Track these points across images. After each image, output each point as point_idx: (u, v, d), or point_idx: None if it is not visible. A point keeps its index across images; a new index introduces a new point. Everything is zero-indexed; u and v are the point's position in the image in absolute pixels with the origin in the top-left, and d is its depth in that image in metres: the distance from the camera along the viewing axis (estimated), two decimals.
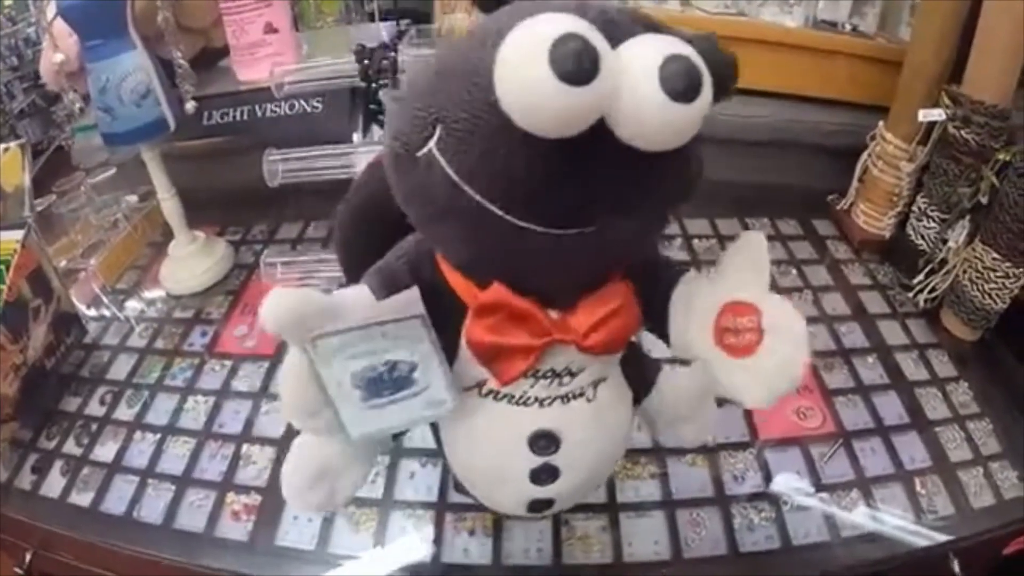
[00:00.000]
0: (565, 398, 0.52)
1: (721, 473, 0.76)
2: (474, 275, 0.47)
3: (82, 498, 0.78)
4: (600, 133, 0.36)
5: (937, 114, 0.85)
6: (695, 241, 1.09)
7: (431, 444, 0.71)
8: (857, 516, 0.72)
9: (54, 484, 0.80)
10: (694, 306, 0.50)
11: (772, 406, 0.48)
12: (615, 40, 0.36)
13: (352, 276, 0.57)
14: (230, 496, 0.76)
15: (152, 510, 0.76)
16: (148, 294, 1.05)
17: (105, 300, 1.02)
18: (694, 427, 0.64)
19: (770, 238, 1.08)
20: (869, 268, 1.03)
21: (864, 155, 1.03)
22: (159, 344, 0.96)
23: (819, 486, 0.75)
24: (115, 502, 0.77)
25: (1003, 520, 0.73)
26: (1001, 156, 0.80)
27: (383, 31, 1.03)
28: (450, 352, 0.50)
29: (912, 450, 0.79)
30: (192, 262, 1.02)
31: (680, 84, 0.34)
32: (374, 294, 0.49)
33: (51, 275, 0.88)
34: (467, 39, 0.42)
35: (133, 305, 1.04)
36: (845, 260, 1.05)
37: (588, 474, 0.58)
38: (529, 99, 0.34)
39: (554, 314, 0.48)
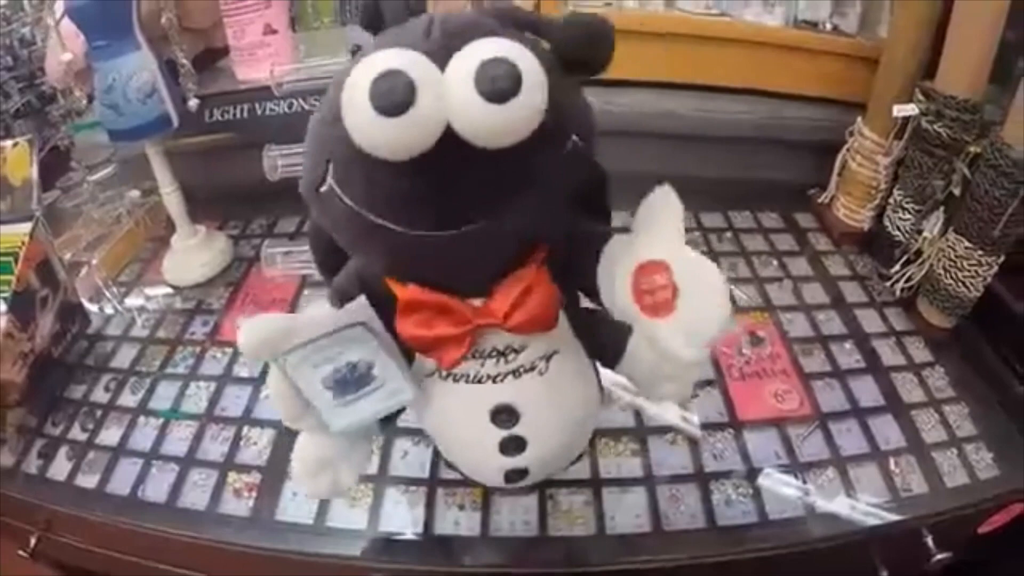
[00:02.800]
0: (516, 373, 0.57)
1: (700, 452, 0.79)
2: (398, 278, 0.52)
3: (88, 480, 0.81)
4: (454, 141, 0.40)
5: (911, 109, 0.88)
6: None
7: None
8: (833, 493, 0.75)
9: (60, 468, 0.83)
10: (615, 271, 0.52)
11: (703, 355, 0.50)
12: (451, 53, 0.40)
13: (327, 278, 0.64)
14: (232, 475, 0.80)
15: (156, 490, 0.79)
16: (150, 286, 1.08)
17: (107, 293, 1.05)
18: (674, 385, 0.65)
19: (752, 231, 1.13)
20: (848, 259, 1.06)
21: (843, 150, 1.06)
22: (161, 334, 0.99)
23: (796, 464, 0.77)
24: (120, 483, 0.80)
25: (977, 498, 0.75)
26: (972, 148, 0.83)
27: None
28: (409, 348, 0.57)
29: (888, 432, 0.81)
30: (193, 254, 1.05)
31: (489, 87, 0.38)
32: (333, 307, 0.56)
33: (58, 266, 0.91)
34: (335, 80, 0.47)
35: (135, 297, 1.07)
36: (825, 252, 1.08)
37: (555, 443, 0.63)
38: (360, 129, 0.40)
39: (477, 303, 0.52)
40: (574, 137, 0.47)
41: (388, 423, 0.68)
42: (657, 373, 0.63)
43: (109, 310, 1.04)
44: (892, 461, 0.78)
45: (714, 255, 1.07)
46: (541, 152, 0.45)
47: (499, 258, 0.51)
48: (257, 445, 0.83)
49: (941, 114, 0.85)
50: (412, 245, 0.46)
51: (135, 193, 1.13)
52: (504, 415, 0.58)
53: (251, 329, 0.51)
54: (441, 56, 0.40)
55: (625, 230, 0.54)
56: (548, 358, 0.58)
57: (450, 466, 0.73)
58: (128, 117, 0.87)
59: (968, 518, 0.76)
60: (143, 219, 1.14)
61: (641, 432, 0.81)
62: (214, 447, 0.83)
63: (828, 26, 1.04)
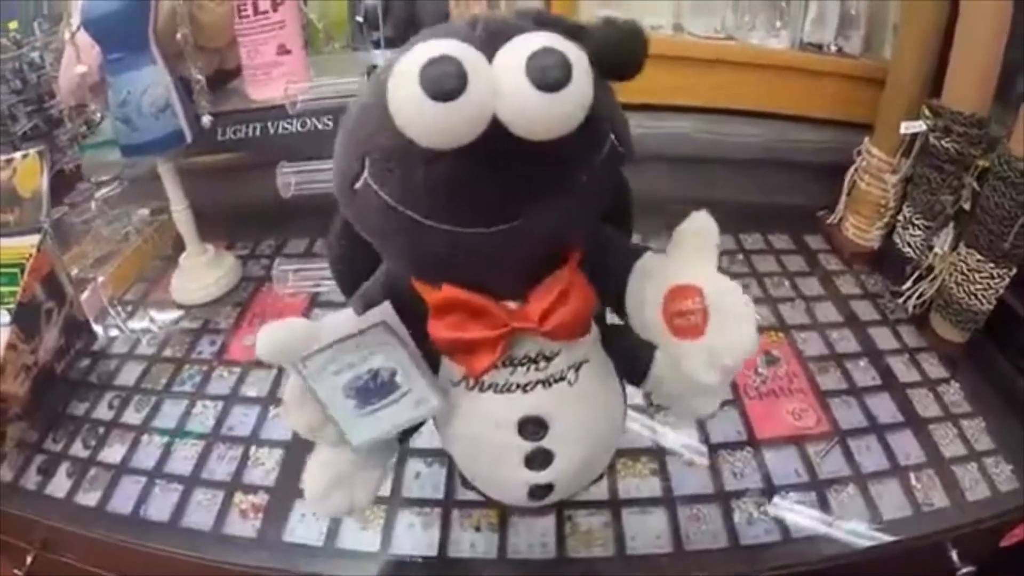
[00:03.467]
0: (546, 383, 0.56)
1: (720, 471, 0.78)
2: (431, 279, 0.51)
3: (88, 498, 0.79)
4: (499, 134, 0.40)
5: (918, 126, 0.89)
6: None
7: (437, 444, 0.73)
8: (854, 509, 0.74)
9: (60, 485, 0.81)
10: (646, 291, 0.53)
11: (723, 381, 0.51)
12: (496, 47, 0.40)
13: (347, 291, 0.62)
14: (238, 496, 0.77)
15: (159, 509, 0.77)
16: (157, 304, 1.07)
17: (111, 312, 1.04)
18: (702, 399, 0.64)
19: (763, 252, 1.14)
20: (860, 278, 1.06)
21: (851, 170, 1.07)
22: (167, 352, 0.98)
23: (816, 482, 0.76)
24: (122, 501, 0.78)
25: (999, 511, 0.74)
26: (981, 163, 0.84)
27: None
28: (436, 356, 0.56)
29: (907, 447, 0.80)
30: (202, 273, 1.04)
31: (542, 75, 0.38)
32: (357, 314, 0.54)
33: (64, 280, 0.90)
34: (375, 76, 0.47)
35: (142, 314, 1.06)
36: (836, 271, 1.08)
37: (582, 457, 0.61)
38: (408, 116, 0.39)
39: (512, 305, 0.51)
40: (612, 137, 0.47)
41: (405, 440, 0.67)
42: (683, 390, 0.63)
43: (115, 327, 1.03)
44: (913, 476, 0.77)
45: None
46: (583, 149, 0.45)
47: (537, 258, 0.50)
48: (265, 465, 0.81)
49: (949, 130, 0.86)
50: (450, 243, 0.45)
51: (144, 211, 1.13)
52: (532, 426, 0.57)
53: (271, 332, 0.50)
54: (487, 49, 0.40)
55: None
56: (578, 368, 0.57)
57: (467, 486, 0.71)
58: (141, 132, 0.87)
59: (991, 531, 0.75)
60: (152, 237, 1.14)
61: (660, 452, 0.80)
62: (220, 467, 0.81)
63: (833, 48, 1.06)
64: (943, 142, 0.86)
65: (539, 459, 0.58)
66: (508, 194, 0.44)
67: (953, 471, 0.77)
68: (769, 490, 0.76)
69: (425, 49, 0.38)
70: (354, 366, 0.52)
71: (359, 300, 0.57)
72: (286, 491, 0.77)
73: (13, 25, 1.15)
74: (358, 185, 0.45)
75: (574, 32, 0.46)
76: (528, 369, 0.55)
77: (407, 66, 0.38)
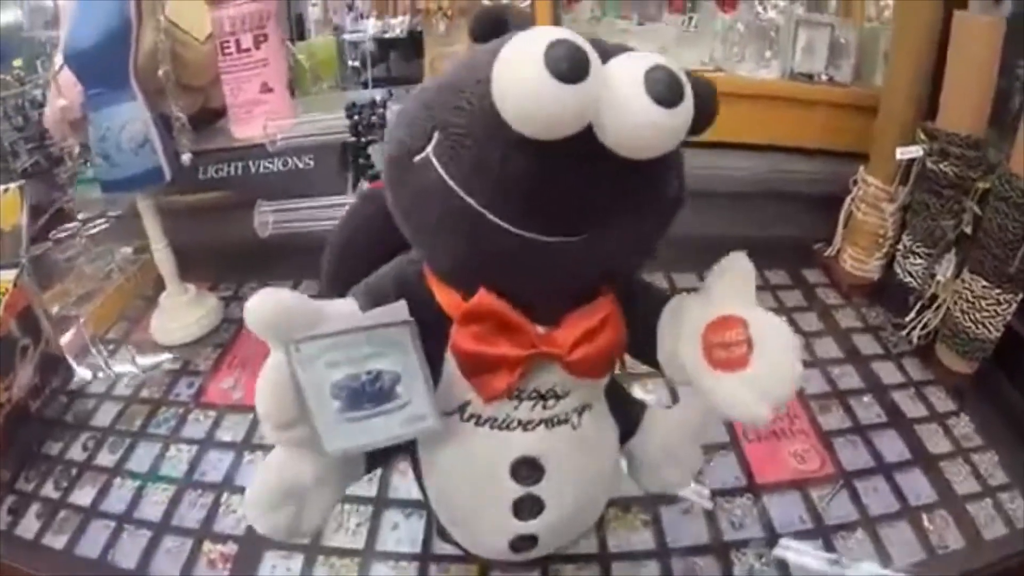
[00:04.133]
0: (549, 423, 0.52)
1: (718, 520, 0.73)
2: (463, 283, 0.48)
3: (56, 540, 0.76)
4: (588, 142, 0.38)
5: (915, 151, 0.87)
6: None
7: (416, 495, 0.68)
8: (864, 556, 0.69)
9: (29, 526, 0.78)
10: (682, 325, 0.50)
11: (767, 422, 0.47)
12: (604, 56, 0.39)
13: (334, 294, 0.56)
14: (207, 544, 0.74)
15: (127, 555, 0.73)
16: (137, 344, 1.05)
17: (93, 350, 1.02)
18: (679, 471, 0.63)
19: (759, 288, 1.08)
20: (860, 311, 1.03)
21: (847, 200, 1.05)
22: (144, 393, 0.95)
23: (822, 528, 0.72)
24: (89, 546, 0.75)
25: (1017, 549, 0.70)
26: (980, 185, 0.81)
27: (376, 95, 1.07)
28: (434, 373, 0.50)
29: (917, 486, 0.76)
30: (182, 313, 1.02)
31: (663, 89, 0.37)
32: (361, 309, 0.49)
33: (41, 317, 0.88)
34: (469, 57, 0.46)
35: (121, 354, 1.03)
36: (835, 305, 1.05)
37: (573, 508, 0.56)
38: (523, 95, 0.37)
39: (540, 329, 0.48)
40: (677, 183, 0.47)
41: (373, 468, 0.61)
42: (666, 455, 0.61)
43: (92, 368, 1.00)
44: (924, 517, 0.73)
45: None
46: (660, 178, 0.44)
47: (585, 282, 0.48)
48: (236, 513, 0.77)
49: (946, 153, 0.84)
50: (502, 243, 0.42)
51: (127, 250, 1.12)
52: (527, 468, 0.52)
53: (266, 300, 0.44)
54: (598, 53, 0.39)
55: None
56: (582, 412, 0.53)
57: (444, 536, 0.65)
58: (120, 168, 0.86)
59: (1010, 571, 0.70)
60: (134, 275, 1.12)
61: (652, 501, 0.75)
62: (191, 513, 0.77)
63: (824, 77, 1.05)
64: (941, 166, 0.84)
65: (528, 507, 0.54)
66: (579, 206, 0.42)
67: (967, 509, 0.73)
68: (772, 539, 0.71)
69: (546, 32, 0.37)
70: (354, 363, 0.46)
71: (364, 295, 0.51)
72: (256, 541, 0.72)
73: (17, 63, 1.18)
74: (418, 158, 0.43)
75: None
76: (535, 405, 0.51)
77: (526, 46, 0.37)
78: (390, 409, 0.48)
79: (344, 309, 0.49)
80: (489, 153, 0.40)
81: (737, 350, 0.46)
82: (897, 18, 0.96)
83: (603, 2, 1.11)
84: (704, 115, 0.43)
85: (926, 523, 0.72)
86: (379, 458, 0.59)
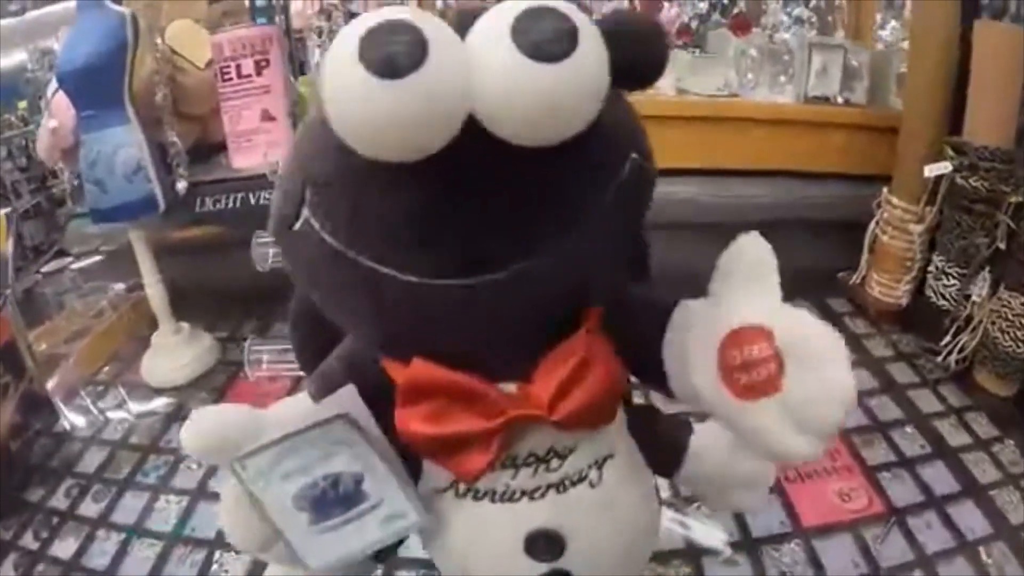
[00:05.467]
0: (560, 486, 0.41)
1: (765, 568, 0.68)
2: (395, 353, 0.38)
3: None
4: (475, 143, 0.29)
5: (943, 167, 0.84)
6: None
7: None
8: None
9: None
10: (691, 345, 0.39)
11: (816, 458, 0.35)
12: (470, 24, 0.29)
13: (310, 374, 0.48)
14: None
15: None
16: (129, 387, 0.99)
17: (81, 391, 0.97)
18: (748, 492, 0.51)
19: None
20: (891, 339, 0.99)
21: (871, 224, 1.02)
22: (134, 439, 0.90)
23: (878, 572, 0.67)
24: None
25: None
26: (1013, 199, 0.78)
27: None
28: (416, 455, 0.42)
29: (970, 520, 0.72)
30: (175, 353, 0.97)
31: (536, 39, 0.27)
32: (313, 400, 0.42)
33: (24, 353, 0.83)
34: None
35: (111, 397, 0.98)
36: (864, 334, 1.02)
37: (609, 573, 0.46)
38: (347, 105, 0.28)
39: (510, 387, 0.38)
40: (634, 155, 0.35)
41: (389, 553, 0.52)
42: (728, 478, 0.50)
43: (80, 412, 0.95)
44: (983, 551, 0.69)
45: None
46: (593, 166, 0.33)
47: (540, 322, 0.37)
48: (228, 573, 0.71)
49: (975, 167, 0.81)
50: (417, 299, 0.33)
51: (120, 286, 1.08)
52: (543, 542, 0.42)
53: (201, 420, 0.37)
54: (458, 24, 0.29)
55: None
56: (601, 464, 0.43)
57: None
58: (112, 195, 0.82)
59: None
60: (127, 313, 1.08)
61: (694, 552, 0.69)
62: (180, 571, 0.71)
63: (840, 100, 1.03)
64: (971, 181, 0.82)
65: None
66: (495, 229, 0.32)
67: None
68: None
69: (367, 18, 0.28)
70: (308, 470, 0.39)
71: (316, 381, 0.43)
72: None
73: (22, 104, 1.17)
74: (297, 225, 0.34)
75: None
76: (535, 471, 0.41)
77: (343, 41, 0.27)
78: (362, 512, 0.41)
79: (288, 411, 0.41)
80: (364, 197, 0.32)
81: (763, 370, 0.35)
82: (913, 35, 0.95)
83: None
84: (641, 60, 0.33)
85: (985, 557, 0.68)
86: (389, 548, 0.47)
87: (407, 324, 0.35)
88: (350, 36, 0.27)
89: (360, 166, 0.29)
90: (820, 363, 0.34)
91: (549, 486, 0.41)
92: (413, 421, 0.37)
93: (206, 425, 0.37)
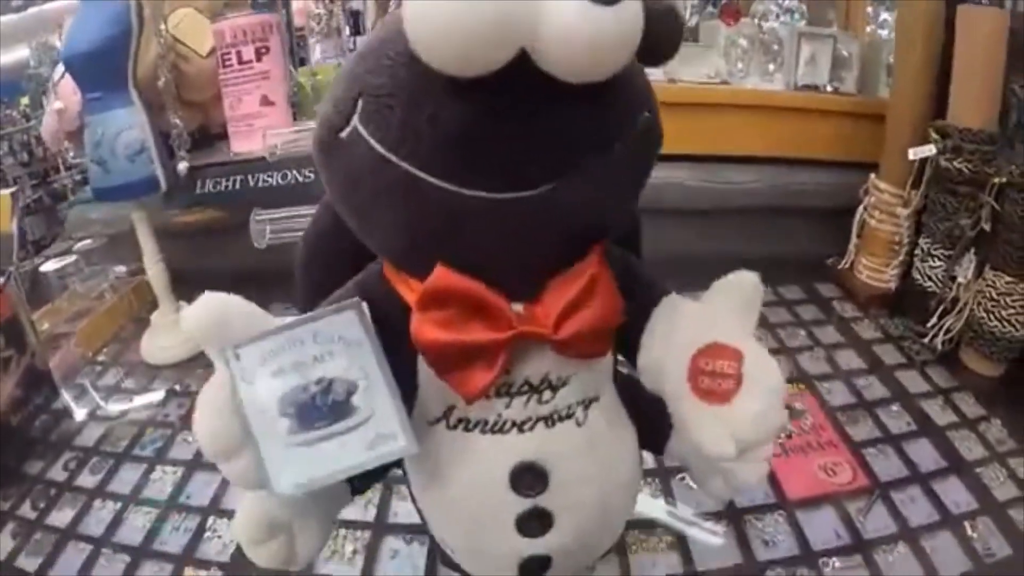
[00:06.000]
0: (549, 420, 0.44)
1: (749, 539, 0.68)
2: (419, 266, 0.40)
3: (30, 563, 0.71)
4: (525, 74, 0.32)
5: (928, 149, 0.86)
6: None
7: (418, 519, 0.64)
8: (908, 568, 0.65)
9: (2, 546, 0.73)
10: (673, 338, 0.44)
11: (729, 459, 0.43)
12: None
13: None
14: (189, 571, 0.69)
15: None
16: (128, 365, 1.01)
17: (82, 370, 0.99)
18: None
19: (774, 304, 1.07)
20: (879, 322, 1.00)
21: (859, 209, 1.03)
22: (132, 414, 0.91)
23: (861, 543, 0.68)
24: (64, 569, 0.70)
25: None
26: (997, 180, 0.79)
27: None
28: (410, 379, 0.43)
29: (955, 494, 0.72)
30: (174, 331, 0.99)
31: None
32: None
33: (27, 329, 0.85)
34: (392, 13, 0.40)
35: (111, 374, 1.00)
36: (853, 318, 1.02)
37: (588, 521, 0.48)
38: (431, 17, 0.31)
39: (518, 307, 0.41)
40: (646, 112, 0.40)
41: (367, 485, 0.53)
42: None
43: (80, 388, 0.97)
44: (967, 526, 0.69)
45: None
46: (619, 110, 0.38)
47: (556, 243, 0.40)
48: (221, 538, 0.72)
49: (959, 149, 0.82)
50: (453, 209, 0.36)
51: (121, 268, 1.10)
52: (528, 476, 0.44)
53: (206, 300, 0.39)
54: None
55: None
56: (588, 405, 0.45)
57: (447, 563, 0.57)
58: (114, 174, 0.84)
59: None
60: (128, 296, 1.09)
61: (677, 521, 0.71)
62: (173, 538, 0.73)
63: (829, 88, 1.05)
64: (955, 163, 0.83)
65: (535, 522, 0.45)
66: (533, 151, 0.36)
67: (1010, 515, 0.69)
68: (808, 557, 0.66)
69: None
70: (301, 368, 0.38)
71: (327, 304, 0.44)
72: (243, 567, 0.66)
73: (24, 100, 1.19)
74: (345, 133, 0.37)
75: None
76: (528, 400, 0.43)
77: None
78: (348, 427, 0.39)
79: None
80: (417, 108, 0.35)
81: (724, 383, 0.43)
82: (900, 21, 0.97)
83: None
84: (665, 33, 0.37)
85: (969, 531, 0.68)
86: (362, 481, 0.50)
87: (437, 232, 0.38)
88: None
89: (417, 81, 0.34)
90: (763, 398, 0.42)
91: (539, 419, 0.43)
92: (428, 327, 0.39)
93: (211, 304, 0.39)
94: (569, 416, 0.44)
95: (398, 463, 0.49)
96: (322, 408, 0.39)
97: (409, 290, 0.41)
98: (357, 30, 1.27)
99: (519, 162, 0.36)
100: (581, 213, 0.39)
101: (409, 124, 0.35)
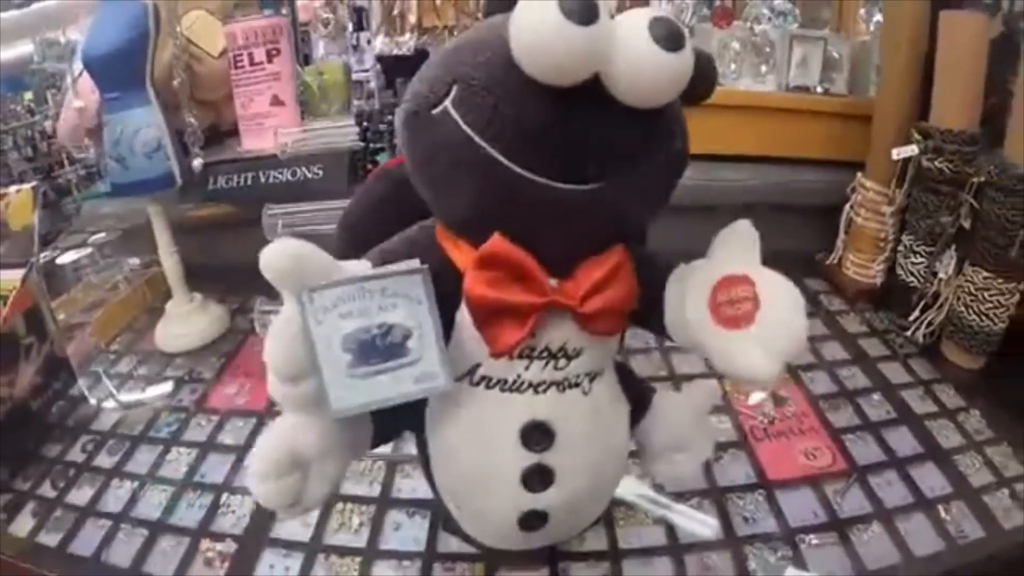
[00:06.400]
0: (560, 386, 0.52)
1: (730, 515, 0.72)
2: (478, 233, 0.48)
3: (50, 538, 0.74)
4: (597, 93, 0.41)
5: (910, 150, 0.89)
6: None
7: (420, 495, 0.69)
8: (881, 547, 0.68)
9: (23, 524, 0.76)
10: (689, 286, 0.51)
11: (773, 379, 0.49)
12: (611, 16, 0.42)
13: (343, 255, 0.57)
14: (205, 543, 0.72)
15: (121, 554, 0.72)
16: (142, 353, 1.05)
17: (97, 358, 1.03)
18: (689, 457, 0.62)
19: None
20: (864, 316, 1.03)
21: (846, 207, 1.06)
22: (147, 399, 0.95)
23: (837, 522, 0.70)
24: (83, 544, 0.73)
25: None
26: (976, 179, 0.82)
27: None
28: (446, 335, 0.50)
29: (931, 479, 0.75)
30: (188, 320, 1.03)
31: (666, 34, 0.40)
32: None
33: (47, 317, 0.88)
34: (488, 21, 0.49)
35: (126, 361, 1.04)
36: (840, 311, 1.05)
37: (584, 482, 0.55)
38: (537, 34, 0.40)
39: (553, 281, 0.49)
40: (679, 139, 0.48)
41: (379, 443, 0.59)
42: (676, 439, 0.61)
43: (95, 376, 1.01)
44: (941, 509, 0.72)
45: None
46: (669, 128, 0.47)
47: (595, 232, 0.49)
48: (235, 513, 0.76)
49: (940, 150, 0.85)
50: (516, 189, 0.44)
51: (135, 260, 1.13)
52: (537, 433, 0.52)
53: (284, 246, 0.44)
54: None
55: None
56: (593, 378, 0.53)
57: (450, 529, 0.65)
58: (132, 171, 0.88)
59: None
60: (141, 288, 1.13)
61: (662, 498, 0.74)
62: (189, 513, 0.76)
63: (819, 90, 1.08)
64: (936, 163, 0.86)
65: (538, 477, 0.53)
66: (591, 153, 0.44)
67: (984, 500, 0.72)
68: (786, 533, 0.69)
69: None
70: (367, 314, 0.46)
71: (377, 258, 0.51)
72: (256, 539, 0.72)
73: (28, 95, 1.20)
74: (436, 111, 0.45)
75: None
76: (546, 365, 0.51)
77: None
78: (401, 365, 0.48)
79: (358, 266, 0.49)
80: (506, 102, 0.43)
81: (744, 307, 0.48)
82: (886, 23, 1.00)
83: None
84: (703, 79, 0.46)
85: (943, 514, 0.71)
86: (387, 429, 0.57)
87: (501, 206, 0.46)
88: None
89: (511, 80, 0.42)
90: (785, 308, 0.49)
91: (552, 383, 0.51)
92: (479, 284, 0.47)
93: (290, 249, 0.44)
94: (577, 385, 0.52)
95: (415, 422, 0.57)
96: (380, 348, 0.47)
97: (459, 252, 0.50)
98: (360, 26, 1.30)
99: (580, 160, 0.44)
100: (621, 210, 0.47)
101: (497, 113, 0.43)
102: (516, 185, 0.44)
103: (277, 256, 0.44)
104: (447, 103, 0.44)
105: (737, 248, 0.52)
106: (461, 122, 0.44)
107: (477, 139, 0.43)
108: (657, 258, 0.56)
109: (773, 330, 0.48)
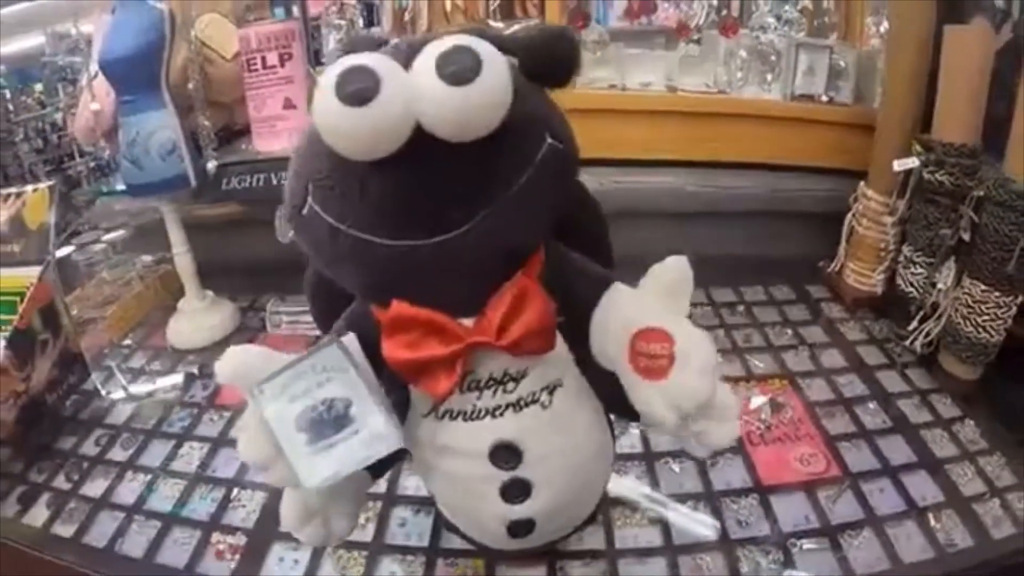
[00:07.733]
0: (516, 406, 0.54)
1: (724, 518, 0.73)
2: (380, 301, 0.51)
3: (64, 529, 0.77)
4: (425, 140, 0.42)
5: (911, 162, 0.90)
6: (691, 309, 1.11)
7: (424, 492, 0.71)
8: (871, 553, 0.69)
9: (38, 515, 0.79)
10: (612, 325, 0.52)
11: (677, 427, 0.50)
12: (414, 57, 0.42)
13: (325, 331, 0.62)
14: (216, 536, 0.75)
15: (134, 545, 0.74)
16: (154, 349, 1.07)
17: (110, 353, 1.05)
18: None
19: (764, 303, 1.12)
20: (864, 324, 1.04)
21: (849, 216, 1.07)
22: (159, 395, 0.97)
23: (829, 527, 0.72)
24: (97, 535, 0.76)
25: None
26: (976, 192, 0.83)
27: None
28: (404, 386, 0.55)
29: (923, 488, 0.76)
30: (200, 317, 1.05)
31: (454, 70, 0.40)
32: None
33: (63, 314, 0.91)
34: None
35: (138, 357, 1.06)
36: (839, 319, 1.06)
37: (564, 488, 0.58)
38: (329, 125, 0.41)
39: (467, 322, 0.50)
40: (549, 140, 0.47)
41: (379, 474, 0.65)
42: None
43: (109, 370, 1.03)
44: (932, 517, 0.73)
45: (726, 327, 1.05)
46: (515, 150, 0.46)
47: (487, 269, 0.49)
48: (246, 507, 0.78)
49: (941, 163, 0.86)
50: (396, 258, 0.46)
51: (147, 258, 1.15)
52: (504, 453, 0.54)
53: (231, 354, 0.51)
54: (405, 59, 0.43)
55: None
56: (551, 390, 0.55)
57: (449, 527, 0.68)
58: (147, 172, 0.90)
59: (1020, 568, 0.69)
60: (154, 284, 1.15)
61: (659, 500, 0.76)
62: (201, 506, 0.79)
63: (824, 99, 1.09)
64: (937, 175, 0.87)
65: (516, 490, 0.55)
66: (445, 202, 0.44)
67: (974, 509, 0.73)
68: (779, 537, 0.71)
69: (342, 62, 0.41)
70: (309, 393, 0.50)
71: (333, 331, 0.56)
72: (265, 533, 0.74)
73: (39, 87, 1.21)
74: (305, 211, 0.47)
75: (502, 42, 0.47)
76: (495, 392, 0.53)
77: (324, 81, 0.41)
78: (349, 434, 0.50)
79: (295, 356, 0.52)
80: (346, 185, 0.44)
81: (659, 362, 0.49)
82: (891, 35, 1.00)
83: None
84: (551, 62, 0.47)
85: (933, 523, 0.72)
86: (380, 465, 0.59)
87: (388, 277, 0.48)
88: (331, 73, 0.40)
89: (346, 164, 0.43)
90: (692, 374, 0.48)
91: (508, 405, 0.53)
92: (395, 349, 0.50)
93: (236, 358, 0.51)
94: (535, 401, 0.54)
95: (405, 451, 0.59)
96: (329, 421, 0.50)
97: (382, 316, 0.51)
98: (371, 22, 1.31)
99: (438, 212, 0.44)
100: (502, 239, 0.48)
101: (345, 199, 0.45)
102: (391, 254, 0.45)
103: (226, 365, 0.50)
104: (310, 200, 0.46)
105: (665, 292, 0.52)
106: (325, 216, 0.46)
107: (341, 227, 0.45)
108: (587, 275, 0.56)
109: (679, 391, 0.49)
